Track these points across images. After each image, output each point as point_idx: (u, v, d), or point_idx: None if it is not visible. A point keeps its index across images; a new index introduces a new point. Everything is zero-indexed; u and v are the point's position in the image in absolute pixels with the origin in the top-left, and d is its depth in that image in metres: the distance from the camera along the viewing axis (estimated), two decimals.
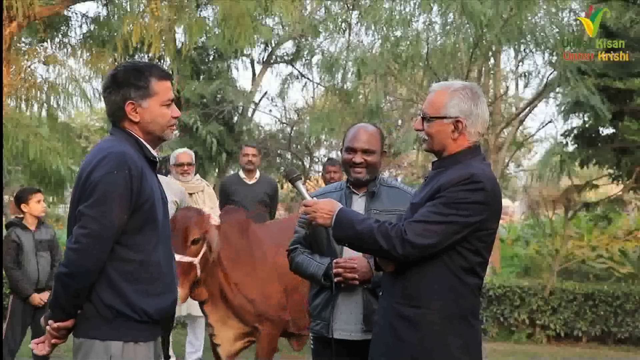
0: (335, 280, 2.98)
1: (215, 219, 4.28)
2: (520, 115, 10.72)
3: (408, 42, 9.02)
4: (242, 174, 6.66)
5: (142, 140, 2.43)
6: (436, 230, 2.38)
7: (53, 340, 2.38)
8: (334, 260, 3.00)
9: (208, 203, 5.72)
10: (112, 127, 2.48)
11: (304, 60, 13.37)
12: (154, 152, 2.47)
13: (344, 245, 2.76)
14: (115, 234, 2.27)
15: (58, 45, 10.67)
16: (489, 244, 2.51)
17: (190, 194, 5.78)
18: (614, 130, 8.33)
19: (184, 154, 5.96)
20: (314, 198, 2.76)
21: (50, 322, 2.36)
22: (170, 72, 10.72)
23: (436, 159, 2.62)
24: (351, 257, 2.98)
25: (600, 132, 8.49)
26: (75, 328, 2.36)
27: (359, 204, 3.14)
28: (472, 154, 2.52)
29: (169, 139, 2.58)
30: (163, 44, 9.57)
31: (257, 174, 6.64)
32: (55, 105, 10.32)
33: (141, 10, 9.82)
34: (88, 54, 10.30)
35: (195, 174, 6.01)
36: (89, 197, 2.27)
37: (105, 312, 2.29)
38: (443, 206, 2.40)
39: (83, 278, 2.26)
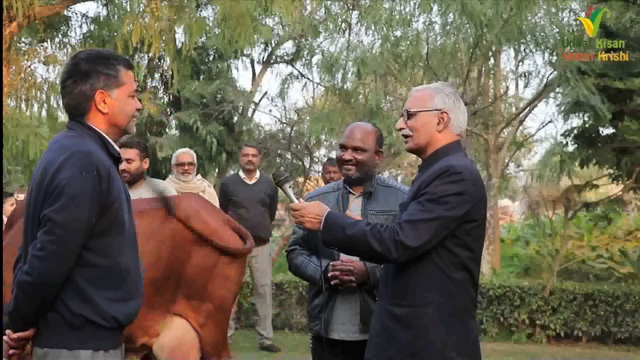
0: (333, 283, 2.98)
1: None
2: (520, 115, 10.72)
3: (408, 42, 9.02)
4: (242, 174, 6.67)
5: (104, 135, 2.29)
6: (426, 229, 2.38)
7: (11, 351, 2.23)
8: (331, 263, 3.00)
9: None
10: (70, 121, 2.31)
11: (304, 60, 13.34)
12: (117, 148, 2.34)
13: (333, 249, 2.74)
14: (82, 238, 2.14)
15: (58, 45, 10.69)
16: (478, 237, 2.50)
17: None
18: (614, 130, 8.32)
19: (185, 154, 5.97)
20: (301, 200, 2.71)
21: (8, 332, 2.21)
22: (171, 72, 10.74)
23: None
24: (348, 260, 2.98)
25: (600, 132, 8.48)
26: (36, 337, 2.21)
27: (355, 205, 3.13)
28: (452, 150, 2.53)
29: (133, 132, 2.45)
30: (163, 44, 9.57)
31: (257, 174, 6.66)
32: (55, 105, 10.34)
33: (141, 10, 9.83)
34: None
35: (196, 175, 6.01)
36: (56, 201, 2.12)
37: (73, 320, 2.16)
38: (427, 203, 2.41)
39: (49, 287, 2.12)
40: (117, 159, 2.33)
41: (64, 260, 2.12)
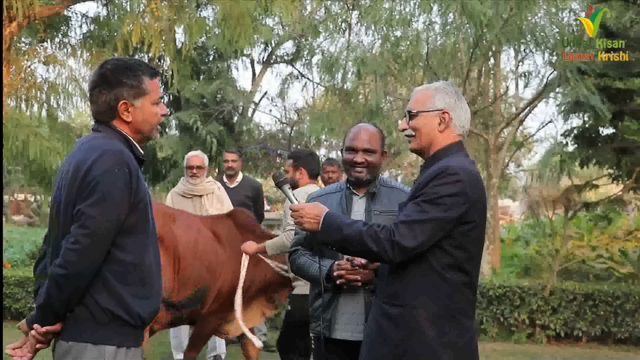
0: (338, 282, 2.98)
1: None
2: (520, 115, 10.73)
3: (408, 42, 9.02)
4: (225, 178, 6.77)
5: (130, 138, 2.37)
6: (422, 230, 2.38)
7: (38, 346, 2.28)
8: (336, 263, 3.00)
9: (216, 205, 5.74)
10: (97, 123, 2.39)
11: (304, 60, 13.38)
12: (141, 151, 2.42)
13: (332, 249, 2.75)
14: (114, 234, 2.20)
15: (58, 45, 10.70)
16: (476, 239, 2.48)
17: (200, 196, 5.82)
18: (614, 130, 8.32)
19: (196, 157, 5.96)
20: (301, 201, 2.72)
21: (35, 326, 2.25)
22: (171, 72, 10.74)
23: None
24: (353, 259, 2.97)
25: (600, 132, 8.48)
26: (62, 331, 2.25)
27: (359, 205, 3.13)
28: (454, 151, 2.52)
29: (155, 138, 2.54)
30: (163, 44, 9.58)
31: (239, 178, 6.74)
32: (55, 105, 10.35)
33: (141, 10, 9.84)
34: (88, 54, 10.33)
35: (207, 177, 6.02)
36: (90, 196, 2.19)
37: (100, 315, 2.21)
38: (424, 203, 2.40)
39: (81, 279, 2.18)
40: (141, 161, 2.40)
41: (96, 254, 2.18)
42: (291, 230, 4.56)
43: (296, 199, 2.69)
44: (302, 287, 4.59)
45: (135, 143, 2.38)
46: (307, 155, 4.90)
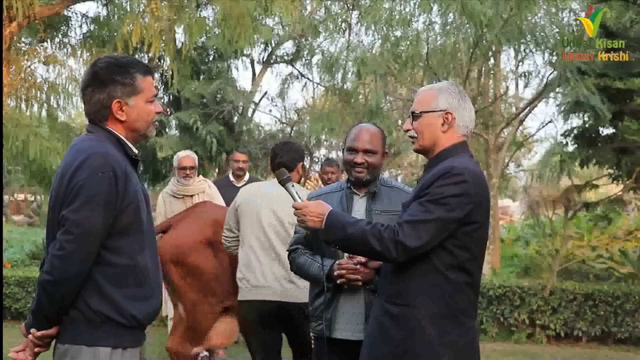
0: (339, 281, 2.97)
1: None
2: (520, 115, 10.74)
3: (408, 42, 9.03)
4: (231, 177, 6.78)
5: (123, 138, 2.33)
6: (426, 230, 2.38)
7: (36, 349, 2.28)
8: (337, 262, 2.99)
9: None
10: (90, 124, 2.36)
11: (304, 60, 13.38)
12: (135, 151, 2.38)
13: (334, 248, 2.75)
14: (100, 238, 2.18)
15: (58, 45, 10.71)
16: (479, 239, 2.48)
17: (191, 196, 5.82)
18: (614, 130, 8.33)
19: (188, 157, 5.96)
20: (304, 199, 2.70)
21: (32, 330, 2.26)
22: (171, 72, 10.74)
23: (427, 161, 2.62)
24: (353, 258, 2.97)
25: (600, 132, 8.48)
26: (59, 334, 2.26)
27: (360, 205, 3.13)
28: (458, 151, 2.52)
29: (152, 136, 2.50)
30: (163, 44, 9.58)
31: (247, 177, 6.77)
32: (55, 105, 10.37)
33: (141, 10, 9.84)
34: (88, 54, 10.33)
35: (198, 175, 6.05)
36: (73, 201, 2.17)
37: (93, 318, 2.21)
38: (428, 203, 2.40)
39: (68, 285, 2.17)
40: (135, 161, 2.37)
41: (82, 259, 2.17)
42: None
43: (299, 197, 2.69)
44: (244, 291, 3.98)
45: (128, 143, 2.35)
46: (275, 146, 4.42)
